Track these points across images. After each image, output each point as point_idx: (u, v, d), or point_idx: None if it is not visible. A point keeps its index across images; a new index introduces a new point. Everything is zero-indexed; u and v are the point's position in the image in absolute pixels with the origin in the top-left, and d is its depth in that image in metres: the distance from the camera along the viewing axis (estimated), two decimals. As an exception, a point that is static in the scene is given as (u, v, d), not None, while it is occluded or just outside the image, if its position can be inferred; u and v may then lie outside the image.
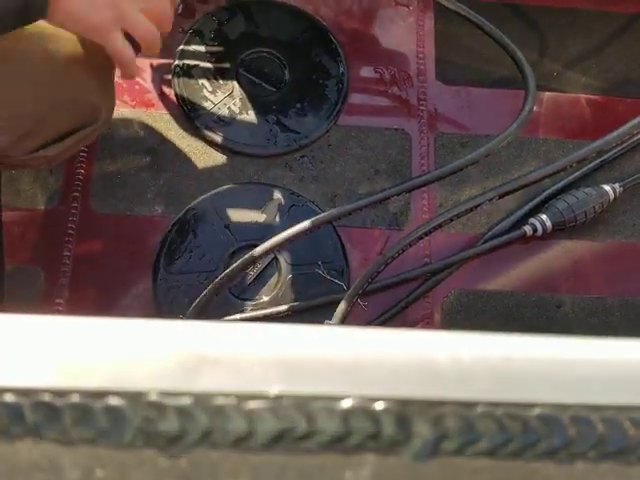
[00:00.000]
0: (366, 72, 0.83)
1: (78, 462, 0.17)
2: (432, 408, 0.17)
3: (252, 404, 0.17)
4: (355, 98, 0.81)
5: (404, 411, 0.17)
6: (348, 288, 0.72)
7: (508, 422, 0.17)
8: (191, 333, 0.18)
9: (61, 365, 0.17)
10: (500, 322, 0.73)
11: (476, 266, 0.75)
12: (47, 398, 0.17)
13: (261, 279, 0.72)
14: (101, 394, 0.17)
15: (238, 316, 0.70)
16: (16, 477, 0.16)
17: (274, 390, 0.17)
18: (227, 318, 0.70)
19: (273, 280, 0.72)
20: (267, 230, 0.73)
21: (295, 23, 0.83)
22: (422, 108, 0.81)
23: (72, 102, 0.53)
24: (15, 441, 0.17)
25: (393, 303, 0.72)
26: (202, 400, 0.17)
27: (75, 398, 0.17)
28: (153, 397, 0.17)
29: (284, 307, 0.71)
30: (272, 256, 0.72)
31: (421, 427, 0.17)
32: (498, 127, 0.80)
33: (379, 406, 0.17)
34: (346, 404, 0.17)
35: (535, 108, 0.66)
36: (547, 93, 0.83)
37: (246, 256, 0.64)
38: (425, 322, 0.73)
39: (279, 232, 0.73)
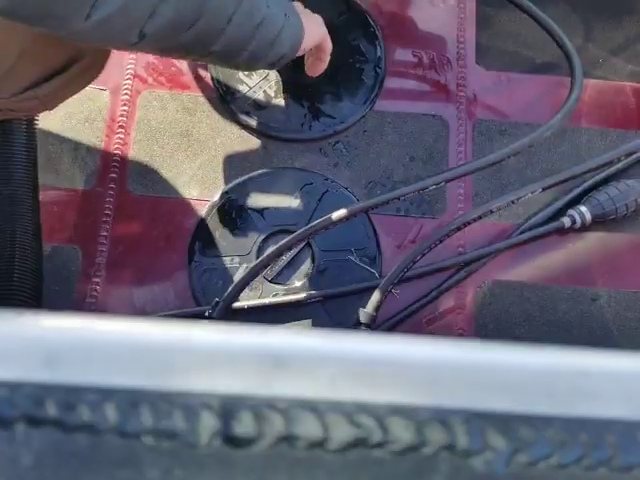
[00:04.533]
0: (404, 56, 0.81)
1: (157, 461, 0.17)
2: (508, 421, 0.17)
3: (328, 411, 0.17)
4: (392, 82, 0.80)
5: (479, 423, 0.17)
6: (380, 276, 0.72)
7: (584, 438, 0.17)
8: (270, 338, 0.18)
9: (140, 365, 0.18)
10: (534, 314, 0.72)
11: (511, 257, 0.74)
12: (128, 397, 0.17)
13: (294, 264, 0.72)
14: (179, 395, 0.17)
15: (268, 300, 0.71)
16: (99, 472, 0.17)
17: (350, 398, 0.17)
18: (258, 302, 0.70)
19: (305, 266, 0.73)
20: (300, 216, 0.73)
21: (332, 6, 0.82)
22: (461, 94, 0.79)
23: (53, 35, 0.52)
24: (98, 437, 0.17)
25: (425, 292, 0.72)
26: (278, 404, 0.17)
27: (155, 398, 0.17)
28: (231, 400, 0.17)
29: (316, 293, 0.71)
30: (305, 242, 0.72)
31: (496, 439, 0.17)
32: (539, 115, 0.78)
33: (454, 417, 0.17)
34: (421, 414, 0.17)
35: (579, 97, 0.64)
36: (591, 80, 0.81)
37: (282, 242, 0.64)
38: (457, 312, 0.72)
39: (312, 218, 0.73)
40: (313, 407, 0.17)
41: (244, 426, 0.17)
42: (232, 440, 0.17)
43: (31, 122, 0.66)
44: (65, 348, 0.18)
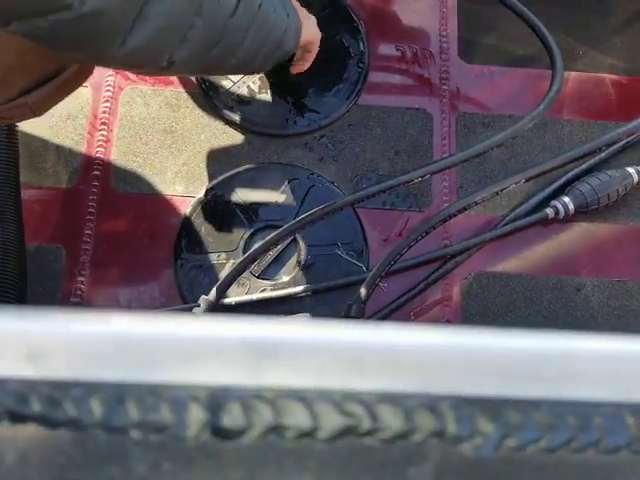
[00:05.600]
0: (387, 50, 0.81)
1: (145, 456, 0.17)
2: (496, 406, 0.17)
3: (317, 400, 0.17)
4: (376, 77, 0.80)
5: (468, 409, 0.17)
6: (367, 269, 0.72)
7: (571, 420, 0.17)
8: (257, 328, 0.18)
9: (125, 359, 0.18)
10: (519, 305, 0.73)
11: (496, 248, 0.74)
12: (114, 391, 0.17)
13: (281, 259, 0.72)
14: (166, 388, 0.17)
15: (256, 296, 0.71)
16: (85, 468, 0.17)
17: (338, 386, 0.17)
18: (246, 298, 0.70)
19: (292, 260, 0.72)
20: (286, 211, 0.73)
21: (315, 0, 0.81)
22: (444, 87, 0.79)
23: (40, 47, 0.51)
24: (84, 432, 0.17)
25: (412, 285, 0.72)
26: (267, 395, 0.17)
27: (141, 391, 0.17)
28: (218, 391, 0.17)
29: (303, 287, 0.71)
30: (292, 237, 0.72)
31: (485, 425, 0.17)
32: (521, 107, 0.79)
33: (443, 403, 0.17)
34: (410, 401, 0.17)
35: (561, 89, 0.65)
36: (572, 73, 0.81)
37: (269, 237, 0.64)
38: (443, 304, 0.73)
39: (298, 213, 0.73)
40: (302, 396, 0.17)
41: (232, 418, 0.17)
42: (221, 432, 0.17)
43: (11, 120, 0.65)
44: (49, 343, 0.18)
